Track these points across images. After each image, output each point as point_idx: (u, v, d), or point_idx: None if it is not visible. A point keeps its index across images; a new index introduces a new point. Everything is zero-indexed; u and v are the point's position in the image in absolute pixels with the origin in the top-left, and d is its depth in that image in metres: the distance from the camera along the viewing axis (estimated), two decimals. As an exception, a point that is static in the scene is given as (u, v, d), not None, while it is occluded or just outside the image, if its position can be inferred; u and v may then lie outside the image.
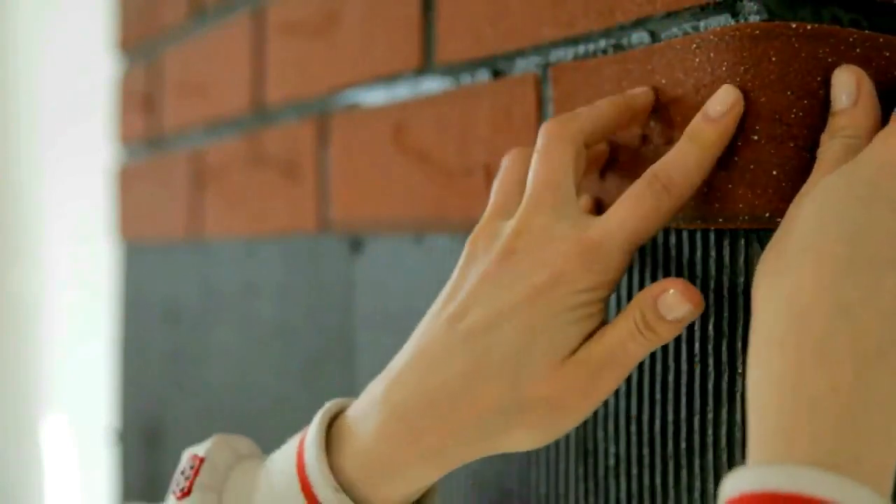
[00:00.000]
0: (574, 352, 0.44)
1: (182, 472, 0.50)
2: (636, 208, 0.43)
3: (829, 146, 0.42)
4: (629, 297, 0.51)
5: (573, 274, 0.43)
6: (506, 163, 0.50)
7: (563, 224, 0.44)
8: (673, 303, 0.42)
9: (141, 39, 1.14)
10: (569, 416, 0.44)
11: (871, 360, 0.35)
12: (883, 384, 0.35)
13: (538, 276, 0.43)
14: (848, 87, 0.42)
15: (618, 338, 0.43)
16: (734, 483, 0.34)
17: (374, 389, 0.47)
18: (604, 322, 0.45)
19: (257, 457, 0.53)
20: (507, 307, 0.44)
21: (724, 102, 0.43)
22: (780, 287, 0.37)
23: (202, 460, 0.50)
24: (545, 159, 0.46)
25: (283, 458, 0.49)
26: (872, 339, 0.35)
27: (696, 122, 0.44)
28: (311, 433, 0.48)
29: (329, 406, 0.49)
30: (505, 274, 0.44)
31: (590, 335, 0.44)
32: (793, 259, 0.38)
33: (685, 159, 0.43)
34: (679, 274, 0.48)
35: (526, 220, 0.45)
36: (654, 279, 0.50)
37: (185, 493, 0.49)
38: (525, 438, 0.45)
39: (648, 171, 0.44)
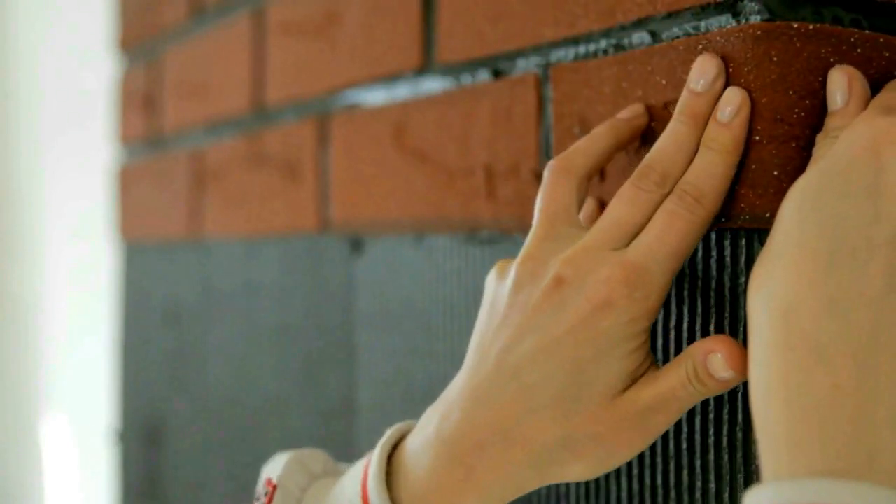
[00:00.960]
0: (624, 391, 0.43)
1: (257, 499, 0.52)
2: (673, 226, 0.43)
3: (822, 145, 0.42)
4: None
5: (617, 303, 0.42)
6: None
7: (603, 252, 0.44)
8: (718, 367, 0.42)
9: (141, 39, 1.14)
10: (620, 453, 0.44)
11: (869, 351, 0.34)
12: (884, 373, 0.34)
13: (582, 307, 0.43)
14: (841, 86, 0.42)
15: (668, 385, 0.43)
16: (752, 502, 0.34)
17: (429, 424, 0.47)
18: (648, 356, 0.44)
19: (331, 474, 0.54)
20: (553, 342, 0.43)
21: (732, 104, 0.43)
22: (768, 288, 0.37)
23: (275, 487, 0.51)
24: (550, 192, 0.47)
25: (350, 486, 0.49)
26: (866, 329, 0.35)
27: (710, 129, 0.44)
28: (373, 465, 0.48)
29: (390, 433, 0.50)
30: (552, 306, 0.44)
31: (636, 371, 0.44)
32: (776, 259, 0.37)
33: (709, 168, 0.43)
34: (680, 273, 0.48)
35: (575, 250, 0.44)
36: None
37: None
38: (577, 471, 0.45)
39: (676, 187, 0.44)
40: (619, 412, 0.43)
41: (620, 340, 0.43)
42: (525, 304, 0.44)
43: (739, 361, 0.42)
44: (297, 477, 0.52)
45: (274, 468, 0.53)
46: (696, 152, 0.44)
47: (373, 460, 0.48)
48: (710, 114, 0.44)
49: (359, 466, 0.50)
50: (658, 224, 0.43)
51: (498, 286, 0.47)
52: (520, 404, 0.44)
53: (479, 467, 0.45)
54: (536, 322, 0.44)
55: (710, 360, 0.42)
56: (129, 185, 1.17)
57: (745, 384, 0.42)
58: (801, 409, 0.35)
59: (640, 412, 0.43)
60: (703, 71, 0.44)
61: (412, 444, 0.48)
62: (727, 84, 0.44)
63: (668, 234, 0.43)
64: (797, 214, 0.38)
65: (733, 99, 0.43)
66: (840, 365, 0.34)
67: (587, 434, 0.43)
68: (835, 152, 0.39)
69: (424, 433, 0.47)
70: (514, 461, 0.45)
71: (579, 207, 0.48)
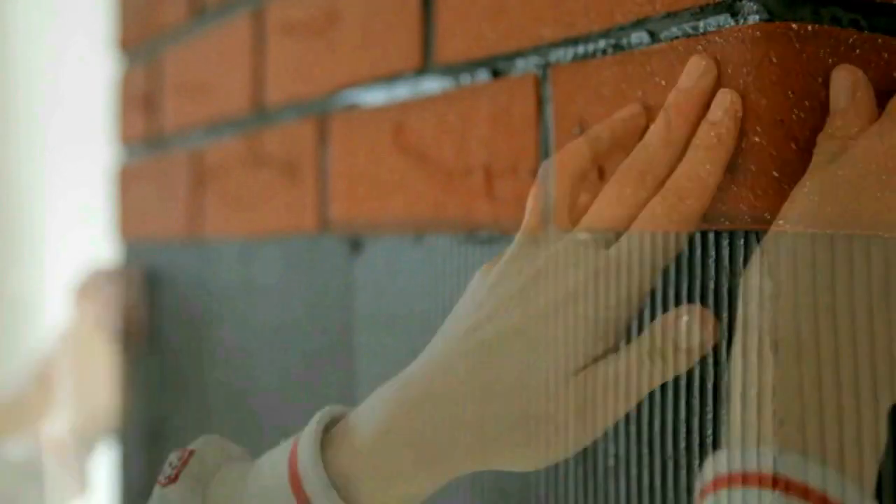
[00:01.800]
0: (584, 369, 0.43)
1: (170, 464, 0.49)
2: (654, 224, 0.43)
3: (824, 146, 0.42)
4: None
5: (590, 292, 0.42)
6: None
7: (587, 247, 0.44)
8: (686, 331, 0.42)
9: (141, 39, 1.14)
10: (564, 438, 0.44)
11: (851, 346, 0.35)
12: (863, 374, 0.36)
13: (555, 293, 0.43)
14: (845, 87, 0.42)
15: (623, 365, 0.43)
16: (701, 476, 0.36)
17: (383, 391, 0.47)
18: (616, 346, 0.44)
19: (248, 461, 0.52)
20: (522, 322, 0.43)
21: (722, 106, 0.43)
22: (760, 284, 0.38)
23: (192, 452, 0.49)
24: (544, 189, 0.47)
25: (276, 453, 0.48)
26: (845, 321, 0.36)
27: (700, 130, 0.44)
28: (308, 430, 0.47)
29: (327, 409, 0.49)
30: (531, 292, 0.44)
31: (602, 356, 0.44)
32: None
33: (696, 169, 0.43)
34: (679, 274, 0.48)
35: (559, 246, 0.45)
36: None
37: (172, 479, 0.48)
38: (521, 457, 0.44)
39: (664, 187, 0.44)
40: (570, 392, 0.43)
41: (589, 326, 0.43)
42: (502, 295, 0.45)
43: (709, 322, 0.42)
44: (214, 452, 0.50)
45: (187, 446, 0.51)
46: (682, 151, 0.44)
47: (308, 427, 0.47)
48: (698, 113, 0.44)
49: (288, 441, 0.48)
50: (639, 225, 0.43)
51: (481, 281, 0.47)
52: (477, 379, 0.44)
53: (428, 435, 0.45)
54: (510, 307, 0.44)
55: (679, 325, 0.42)
56: (129, 185, 1.17)
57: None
58: (769, 392, 0.36)
59: (591, 394, 0.43)
60: (692, 70, 0.45)
61: (360, 410, 0.47)
62: (720, 84, 0.44)
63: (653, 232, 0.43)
64: (797, 216, 0.38)
65: (723, 101, 0.43)
66: (813, 357, 0.36)
67: (536, 414, 0.43)
68: (850, 156, 0.39)
69: (376, 398, 0.47)
70: (463, 434, 0.44)
71: (573, 206, 0.48)
